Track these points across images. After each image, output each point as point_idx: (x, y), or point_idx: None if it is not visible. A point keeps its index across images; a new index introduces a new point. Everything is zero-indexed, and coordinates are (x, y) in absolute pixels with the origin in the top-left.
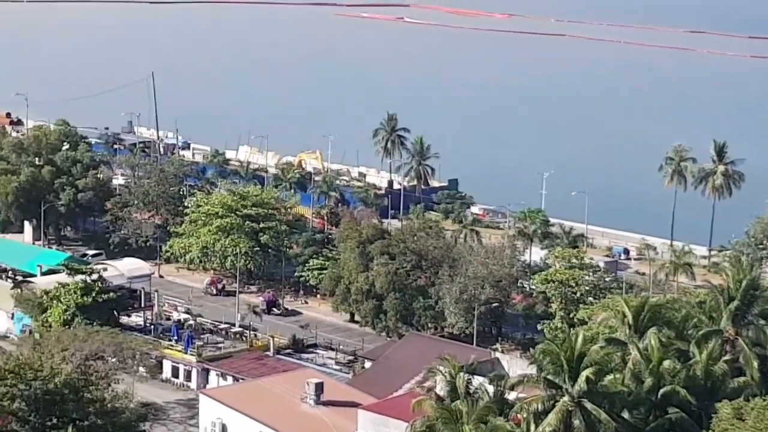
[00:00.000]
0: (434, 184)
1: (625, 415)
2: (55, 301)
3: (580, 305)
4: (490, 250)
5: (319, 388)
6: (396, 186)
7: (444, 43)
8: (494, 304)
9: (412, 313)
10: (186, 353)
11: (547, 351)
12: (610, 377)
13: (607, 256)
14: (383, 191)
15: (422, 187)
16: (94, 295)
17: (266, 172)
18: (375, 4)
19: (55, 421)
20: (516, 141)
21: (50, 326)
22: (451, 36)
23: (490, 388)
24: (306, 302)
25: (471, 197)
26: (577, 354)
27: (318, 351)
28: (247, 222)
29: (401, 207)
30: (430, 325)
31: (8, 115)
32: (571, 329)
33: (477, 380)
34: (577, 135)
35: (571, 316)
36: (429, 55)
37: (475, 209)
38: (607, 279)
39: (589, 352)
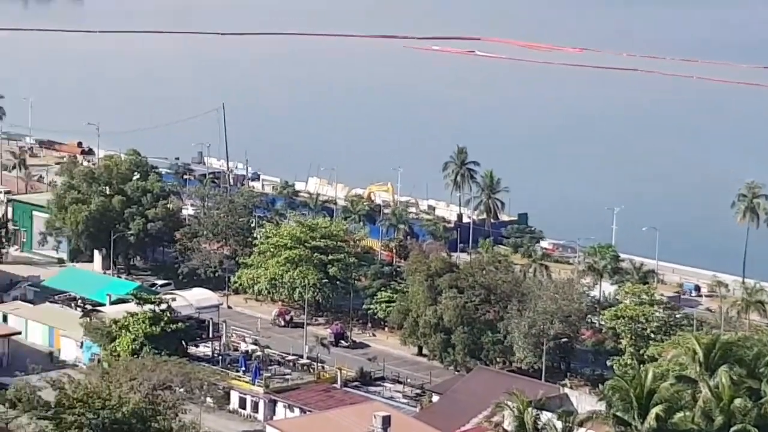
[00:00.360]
0: (504, 218)
1: None
2: (123, 331)
3: (650, 342)
4: (560, 284)
5: (387, 421)
6: (465, 219)
7: (515, 76)
8: (563, 340)
9: (481, 347)
10: (253, 384)
11: (617, 387)
12: (680, 415)
13: (677, 292)
14: (452, 224)
15: (492, 220)
16: (162, 324)
17: (335, 204)
18: (446, 37)
19: None
20: (586, 175)
21: (119, 355)
22: (523, 69)
23: (559, 424)
24: (374, 335)
25: (540, 231)
26: (646, 391)
27: (385, 384)
28: (316, 254)
29: (470, 241)
30: (498, 359)
31: (80, 144)
32: (641, 366)
33: (545, 416)
34: (648, 169)
35: (641, 352)
36: (499, 88)
37: (544, 244)
38: (677, 315)
39: (659, 390)
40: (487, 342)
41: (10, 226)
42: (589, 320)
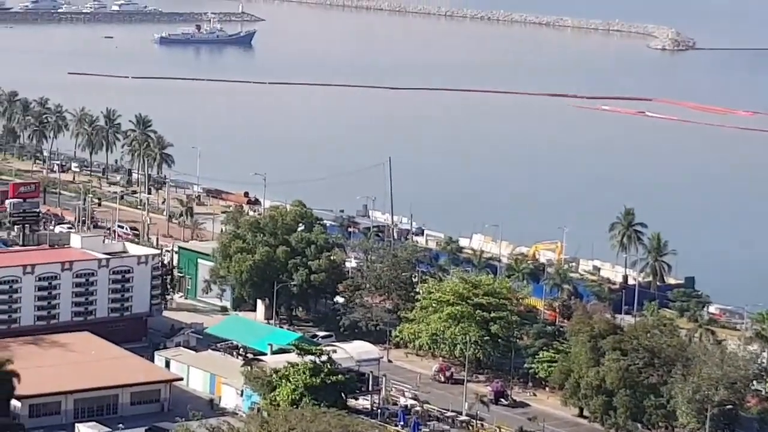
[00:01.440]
0: (670, 281)
1: None
2: (284, 381)
3: None
4: (726, 351)
5: None
6: (631, 281)
7: (685, 137)
8: (728, 406)
9: (643, 410)
10: None
11: None
12: None
13: None
14: (618, 286)
15: (658, 283)
16: (322, 376)
17: (499, 261)
18: (616, 97)
19: None
20: (758, 238)
21: (278, 405)
22: (693, 131)
23: None
24: (534, 394)
25: (707, 296)
26: None
27: None
28: (478, 311)
29: (635, 303)
30: (660, 424)
31: (246, 194)
32: None
33: None
34: None
35: None
36: (669, 150)
37: (711, 308)
38: None
39: None
40: (649, 406)
41: (176, 273)
42: (755, 388)
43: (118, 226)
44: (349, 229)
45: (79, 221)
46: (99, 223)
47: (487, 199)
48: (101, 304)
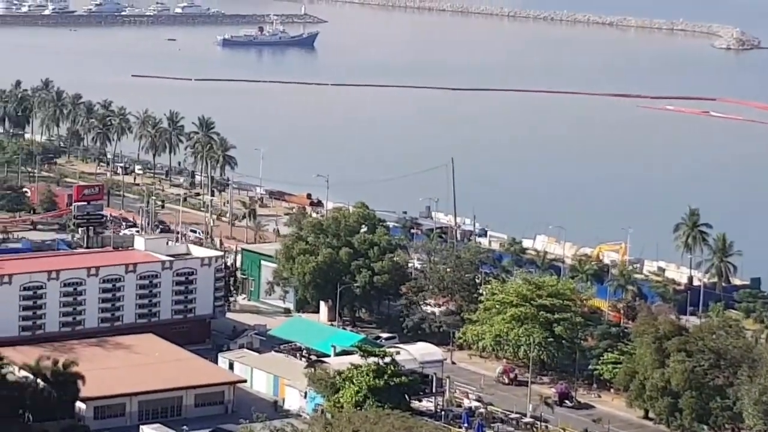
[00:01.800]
0: (735, 282)
1: None
2: (347, 382)
3: None
4: None
5: None
6: (696, 282)
7: (750, 137)
8: None
9: (709, 412)
10: None
11: None
12: None
13: None
14: (682, 287)
15: (723, 284)
16: (386, 378)
17: (563, 262)
18: (680, 97)
19: None
20: None
21: (342, 407)
22: (759, 130)
23: None
24: (599, 396)
25: None
26: None
27: None
28: (542, 312)
29: (700, 304)
30: (726, 426)
31: (309, 196)
32: None
33: None
34: None
35: None
36: (733, 150)
37: None
38: None
39: None
40: (715, 408)
41: (239, 275)
42: None
43: (191, 231)
44: (412, 231)
45: (146, 223)
46: (167, 226)
47: (551, 200)
48: (165, 306)
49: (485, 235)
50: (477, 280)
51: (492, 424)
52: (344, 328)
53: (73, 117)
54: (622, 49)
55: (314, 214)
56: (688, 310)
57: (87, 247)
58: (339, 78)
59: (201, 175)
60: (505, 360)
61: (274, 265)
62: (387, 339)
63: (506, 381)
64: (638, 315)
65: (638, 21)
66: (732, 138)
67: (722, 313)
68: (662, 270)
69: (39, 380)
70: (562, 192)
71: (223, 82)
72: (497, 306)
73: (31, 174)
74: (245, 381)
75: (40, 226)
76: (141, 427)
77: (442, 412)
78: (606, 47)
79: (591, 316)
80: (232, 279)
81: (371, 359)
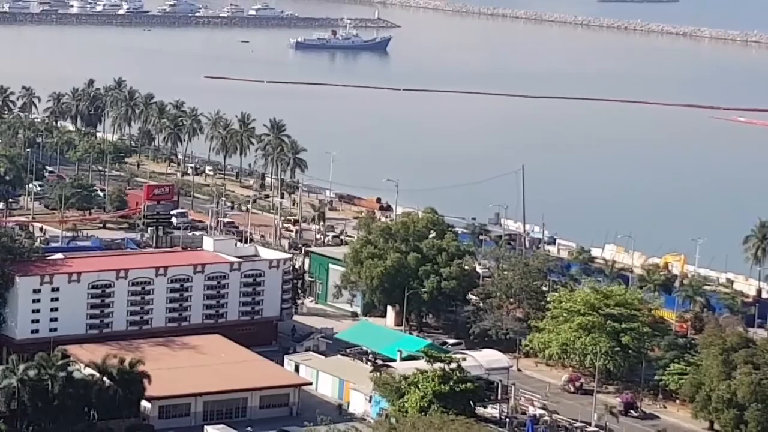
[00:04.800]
0: None
1: None
2: (412, 387)
3: None
4: None
5: None
6: (765, 295)
7: None
8: None
9: None
10: None
11: None
12: None
13: None
14: (751, 299)
15: None
16: (451, 383)
17: (631, 272)
18: (753, 109)
19: None
20: None
21: (407, 411)
22: None
23: None
24: (664, 407)
25: None
26: None
27: None
28: (609, 321)
29: None
30: None
31: (378, 200)
32: None
33: None
34: None
35: None
36: None
37: None
38: None
39: None
40: None
41: (307, 277)
42: None
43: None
44: (481, 237)
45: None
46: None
47: (621, 209)
48: (232, 307)
49: (554, 243)
50: (545, 288)
51: None
52: (411, 333)
53: (145, 117)
54: (696, 60)
55: (383, 219)
56: (756, 323)
57: (156, 247)
58: (411, 83)
59: (271, 177)
60: (571, 368)
61: (342, 269)
62: (453, 345)
63: (572, 389)
64: (705, 326)
65: (712, 32)
66: None
67: None
68: (731, 282)
69: (105, 378)
70: (631, 201)
71: (295, 85)
72: (564, 314)
73: (101, 173)
74: (311, 384)
75: (109, 225)
76: (205, 427)
77: (507, 420)
78: (679, 57)
79: (658, 326)
80: (299, 282)
81: (437, 365)
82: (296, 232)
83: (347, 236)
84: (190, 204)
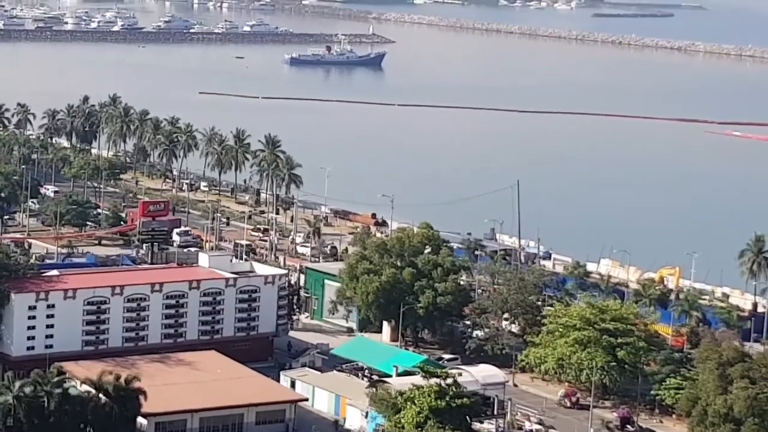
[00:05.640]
0: None
1: None
2: (409, 403)
3: None
4: None
5: None
6: (760, 309)
7: None
8: None
9: None
10: None
11: None
12: None
13: None
14: (747, 314)
15: None
16: (447, 399)
17: (627, 286)
18: (747, 123)
19: None
20: None
21: (403, 427)
22: None
23: None
24: (661, 421)
25: None
26: None
27: None
28: (605, 336)
29: (764, 331)
30: None
31: (373, 215)
32: None
33: None
34: None
35: None
36: None
37: None
38: None
39: None
40: None
41: (302, 293)
42: None
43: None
44: (476, 252)
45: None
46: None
47: (616, 224)
48: (228, 323)
49: (549, 258)
50: (540, 303)
51: None
52: (407, 349)
53: (140, 133)
54: (690, 74)
55: (378, 234)
56: (752, 337)
57: (151, 263)
58: (406, 98)
59: (266, 193)
60: (567, 383)
61: (338, 284)
62: (449, 360)
63: (568, 405)
64: (702, 341)
65: (707, 46)
66: None
67: None
68: (726, 296)
69: (101, 395)
70: (626, 216)
71: (290, 101)
72: (560, 329)
73: (97, 189)
74: (307, 399)
75: (104, 241)
76: None
77: None
78: (674, 72)
79: (654, 340)
80: (295, 297)
81: (433, 380)
82: (268, 242)
83: (333, 248)
84: (185, 220)
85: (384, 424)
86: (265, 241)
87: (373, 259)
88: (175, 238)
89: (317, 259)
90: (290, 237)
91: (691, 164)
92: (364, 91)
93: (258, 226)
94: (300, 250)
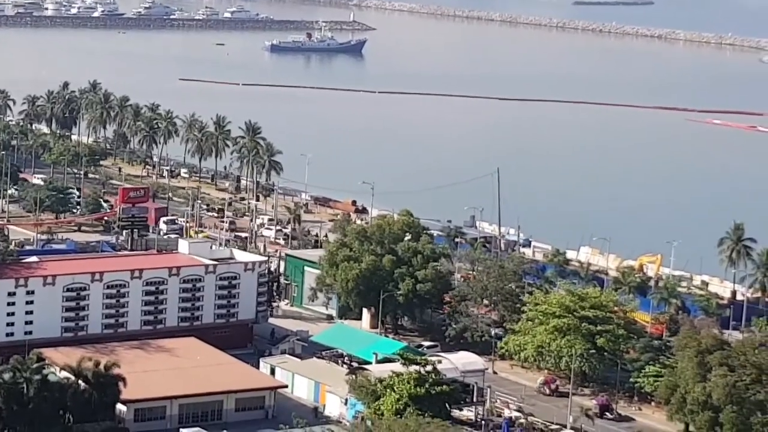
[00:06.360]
0: None
1: None
2: (388, 390)
3: None
4: None
5: None
6: (739, 297)
7: None
8: None
9: (749, 427)
10: None
11: None
12: None
13: None
14: (726, 301)
15: (766, 299)
16: (427, 386)
17: (606, 274)
18: (728, 111)
19: None
20: None
21: (382, 414)
22: None
23: None
24: (640, 409)
25: None
26: None
27: None
28: (584, 324)
29: (743, 318)
30: None
31: (354, 203)
32: None
33: None
34: None
35: None
36: None
37: None
38: None
39: None
40: (756, 423)
41: (282, 280)
42: None
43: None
44: (456, 240)
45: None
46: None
47: (596, 212)
48: (207, 310)
49: (529, 246)
50: (520, 291)
51: None
52: (386, 336)
53: (120, 119)
54: (670, 62)
55: (359, 221)
56: (730, 325)
57: (131, 250)
58: (386, 85)
59: (246, 180)
60: (546, 371)
61: (318, 271)
62: (429, 347)
63: (547, 392)
64: (681, 328)
65: (687, 34)
66: None
67: (765, 327)
68: (706, 284)
69: (80, 381)
70: (606, 204)
71: (271, 88)
72: (540, 317)
73: (77, 175)
74: (286, 386)
75: (84, 228)
76: (181, 430)
77: (483, 422)
78: (654, 60)
79: (633, 328)
80: (275, 284)
81: (413, 367)
82: (229, 222)
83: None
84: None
85: (363, 411)
86: (223, 222)
87: (353, 246)
88: (162, 226)
89: (281, 243)
90: (253, 220)
91: (671, 152)
92: (344, 78)
93: (212, 206)
94: (266, 233)
